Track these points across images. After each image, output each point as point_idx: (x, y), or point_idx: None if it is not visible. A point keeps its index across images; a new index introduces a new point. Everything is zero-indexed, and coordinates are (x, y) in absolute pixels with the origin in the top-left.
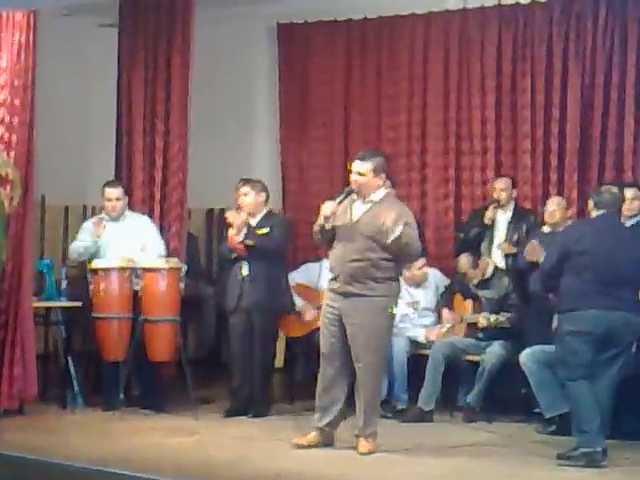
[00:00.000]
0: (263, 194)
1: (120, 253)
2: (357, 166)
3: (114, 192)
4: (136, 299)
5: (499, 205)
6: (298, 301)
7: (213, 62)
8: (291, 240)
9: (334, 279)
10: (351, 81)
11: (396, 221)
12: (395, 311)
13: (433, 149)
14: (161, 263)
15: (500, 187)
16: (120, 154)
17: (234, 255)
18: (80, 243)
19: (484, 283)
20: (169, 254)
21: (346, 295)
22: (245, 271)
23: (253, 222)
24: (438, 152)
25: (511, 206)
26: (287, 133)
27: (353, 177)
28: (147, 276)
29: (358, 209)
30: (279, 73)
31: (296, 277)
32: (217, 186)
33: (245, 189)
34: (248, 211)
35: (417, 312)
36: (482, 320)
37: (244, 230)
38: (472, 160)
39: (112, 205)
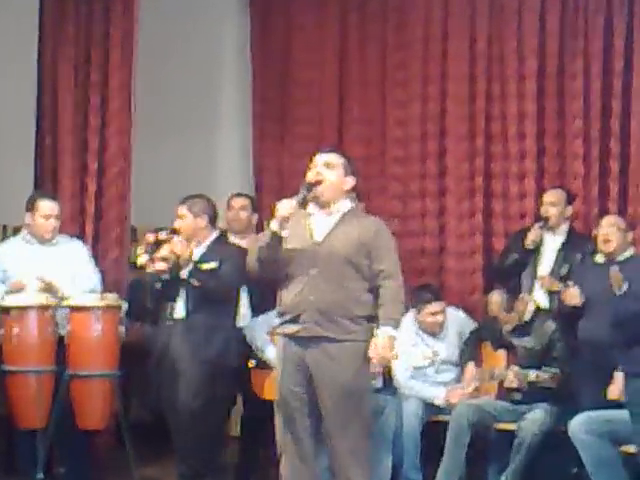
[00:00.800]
0: (204, 217)
1: (40, 281)
2: (324, 157)
3: (55, 207)
4: (61, 347)
5: (546, 225)
6: (273, 352)
7: (166, 38)
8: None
9: (291, 321)
10: (347, 62)
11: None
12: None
13: (455, 152)
14: (94, 300)
15: (549, 201)
16: (41, 157)
17: (157, 286)
18: None
19: (522, 328)
20: (106, 288)
21: (314, 341)
22: (180, 312)
23: (196, 253)
24: (461, 156)
25: (564, 228)
26: (263, 130)
27: (317, 171)
28: (76, 317)
29: (321, 225)
30: (252, 52)
31: (273, 320)
32: (170, 198)
33: (181, 210)
34: (186, 238)
35: (435, 365)
36: (511, 376)
37: (189, 266)
38: (506, 166)
39: (51, 225)
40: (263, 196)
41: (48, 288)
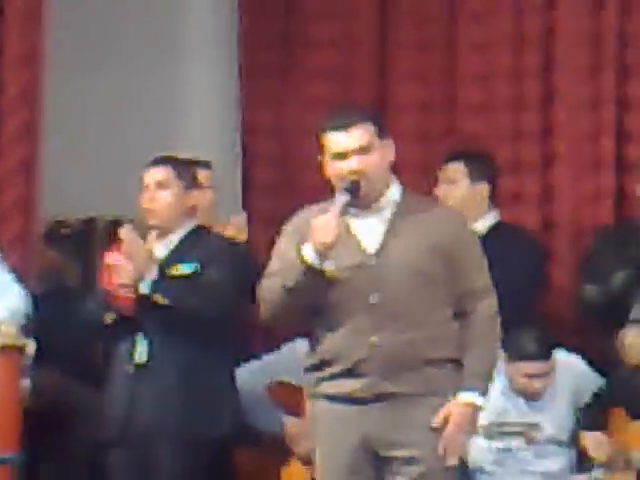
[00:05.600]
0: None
1: None
2: (346, 138)
3: None
4: None
5: None
6: (280, 418)
7: None
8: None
9: (341, 375)
10: None
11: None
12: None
13: (574, 98)
14: None
15: None
16: None
17: (110, 318)
18: None
19: None
20: None
21: (381, 401)
22: (142, 355)
23: (164, 248)
24: (583, 104)
25: None
26: (255, 62)
27: (348, 165)
28: None
29: (368, 229)
30: None
31: (275, 369)
32: (108, 173)
33: (158, 172)
34: (160, 224)
35: (534, 446)
36: None
37: (153, 272)
38: None
39: None
40: (255, 170)
41: None
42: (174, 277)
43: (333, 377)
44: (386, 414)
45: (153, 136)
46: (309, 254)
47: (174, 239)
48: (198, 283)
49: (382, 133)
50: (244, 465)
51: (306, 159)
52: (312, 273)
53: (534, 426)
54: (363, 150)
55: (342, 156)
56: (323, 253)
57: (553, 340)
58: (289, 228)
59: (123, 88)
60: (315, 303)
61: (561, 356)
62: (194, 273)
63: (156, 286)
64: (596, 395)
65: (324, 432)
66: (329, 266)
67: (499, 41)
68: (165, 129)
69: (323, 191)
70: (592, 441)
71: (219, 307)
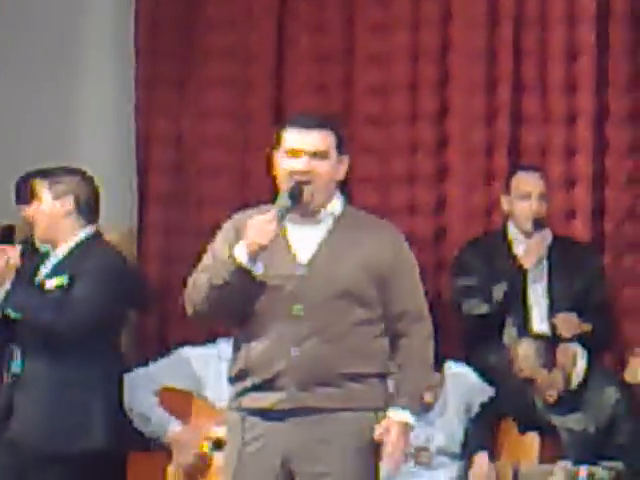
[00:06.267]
0: (69, 198)
1: None
2: (307, 139)
3: None
4: None
5: (540, 229)
6: (170, 424)
7: None
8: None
9: (260, 388)
10: None
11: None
12: None
13: (468, 112)
14: None
15: (539, 191)
16: None
17: None
18: None
19: (567, 399)
20: None
21: (299, 416)
22: (16, 366)
23: (51, 261)
24: (478, 117)
25: (547, 233)
26: (150, 73)
27: (298, 164)
28: None
29: (303, 239)
30: None
31: (163, 374)
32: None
33: (38, 186)
34: (42, 236)
35: (424, 465)
36: (559, 475)
37: (5, 284)
38: (548, 132)
39: None
40: (151, 180)
41: None
42: (45, 291)
43: (253, 389)
44: (304, 428)
45: (47, 145)
46: (240, 254)
47: (59, 252)
48: (56, 297)
49: (341, 147)
50: (137, 468)
51: (203, 169)
52: (241, 273)
53: (424, 449)
54: (317, 154)
55: (295, 153)
56: (255, 254)
57: (442, 352)
58: (227, 225)
59: (17, 97)
60: (243, 305)
61: (451, 368)
62: (60, 286)
63: (8, 299)
64: (484, 406)
65: (241, 446)
66: (259, 269)
67: (396, 54)
68: (60, 138)
69: (219, 201)
70: (481, 462)
71: (73, 321)
